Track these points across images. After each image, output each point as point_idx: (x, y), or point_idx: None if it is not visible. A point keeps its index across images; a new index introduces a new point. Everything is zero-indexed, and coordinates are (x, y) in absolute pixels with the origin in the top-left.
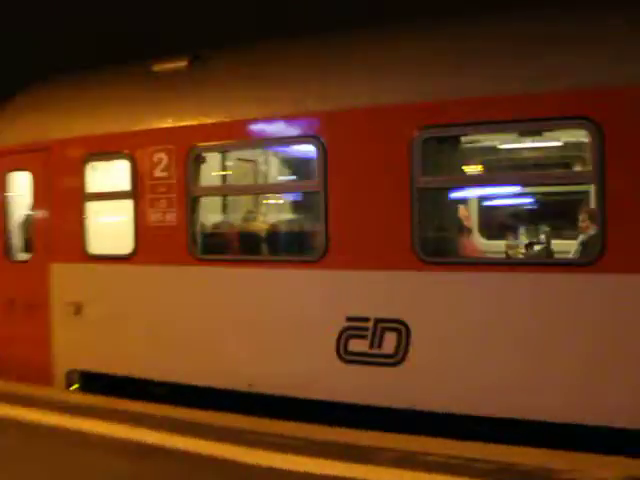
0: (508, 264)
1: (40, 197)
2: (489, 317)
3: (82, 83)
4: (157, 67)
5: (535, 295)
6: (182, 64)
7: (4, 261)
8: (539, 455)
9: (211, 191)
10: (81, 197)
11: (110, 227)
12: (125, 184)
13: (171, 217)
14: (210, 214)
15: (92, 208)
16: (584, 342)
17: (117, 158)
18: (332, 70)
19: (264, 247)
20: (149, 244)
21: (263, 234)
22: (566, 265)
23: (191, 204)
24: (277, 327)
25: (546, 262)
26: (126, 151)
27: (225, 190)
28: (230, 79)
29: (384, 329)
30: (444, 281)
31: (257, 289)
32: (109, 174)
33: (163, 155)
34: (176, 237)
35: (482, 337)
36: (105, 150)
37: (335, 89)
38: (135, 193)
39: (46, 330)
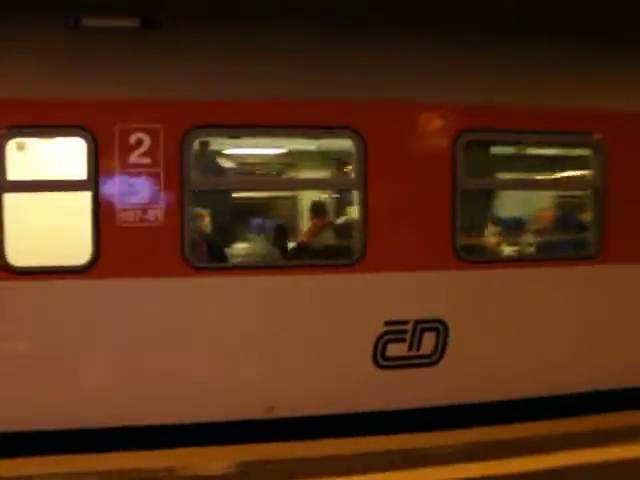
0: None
1: None
2: (521, 311)
3: None
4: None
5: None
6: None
7: None
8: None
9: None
10: None
11: (47, 229)
12: (78, 170)
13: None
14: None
15: (15, 202)
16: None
17: (65, 135)
18: None
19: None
20: (119, 251)
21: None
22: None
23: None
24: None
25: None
26: (83, 126)
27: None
28: None
29: (423, 329)
30: (481, 279)
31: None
32: (48, 156)
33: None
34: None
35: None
36: (44, 123)
37: None
38: (96, 183)
39: None
